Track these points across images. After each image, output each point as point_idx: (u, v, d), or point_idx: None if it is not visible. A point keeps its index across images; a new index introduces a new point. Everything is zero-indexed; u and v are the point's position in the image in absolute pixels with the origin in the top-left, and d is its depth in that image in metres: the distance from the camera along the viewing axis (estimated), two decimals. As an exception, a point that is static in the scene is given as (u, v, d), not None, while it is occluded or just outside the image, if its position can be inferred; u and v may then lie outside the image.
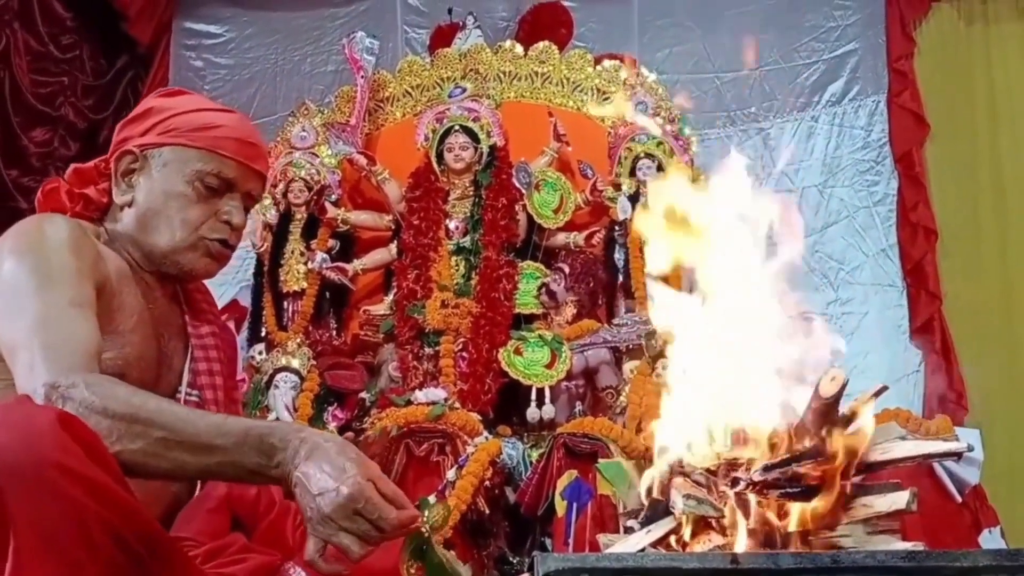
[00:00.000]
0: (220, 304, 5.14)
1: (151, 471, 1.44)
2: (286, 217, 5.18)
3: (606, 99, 5.33)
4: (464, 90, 5.19)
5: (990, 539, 4.29)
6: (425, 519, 1.60)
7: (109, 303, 1.68)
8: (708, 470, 1.62)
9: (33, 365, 1.49)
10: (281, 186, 5.16)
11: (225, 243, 1.83)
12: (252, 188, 1.87)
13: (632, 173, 4.92)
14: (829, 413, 1.55)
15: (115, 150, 1.84)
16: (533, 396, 4.53)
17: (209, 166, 1.79)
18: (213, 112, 1.88)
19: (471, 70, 5.41)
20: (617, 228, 4.94)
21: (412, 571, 1.56)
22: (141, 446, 1.41)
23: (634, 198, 4.87)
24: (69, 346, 1.52)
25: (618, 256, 4.91)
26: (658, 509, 1.63)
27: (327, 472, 1.37)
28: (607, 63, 5.42)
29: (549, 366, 4.55)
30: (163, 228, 1.78)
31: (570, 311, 4.82)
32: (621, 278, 4.90)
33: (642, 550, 1.57)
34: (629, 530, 1.70)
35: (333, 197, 5.22)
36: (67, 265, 1.62)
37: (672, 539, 1.59)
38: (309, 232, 5.17)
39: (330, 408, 4.72)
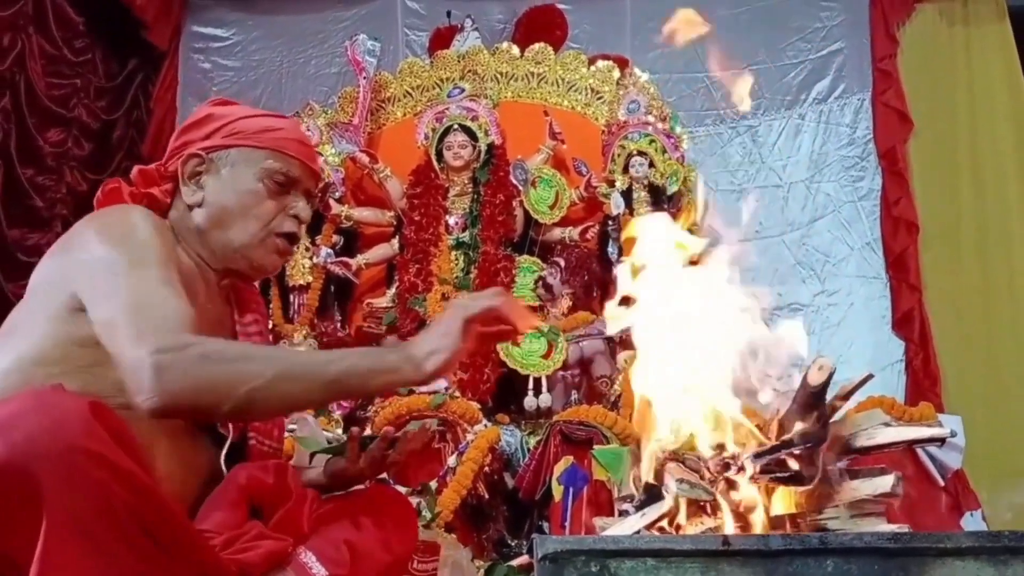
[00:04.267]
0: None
1: (283, 400, 1.56)
2: (292, 214, 5.27)
3: (600, 98, 5.40)
4: (463, 90, 5.26)
5: (971, 522, 4.34)
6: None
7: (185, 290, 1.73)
8: (700, 456, 1.68)
9: (139, 335, 1.51)
10: (286, 183, 5.24)
11: (293, 236, 1.90)
12: (311, 186, 1.94)
13: (625, 170, 4.97)
14: (816, 401, 1.61)
15: (175, 154, 1.89)
16: (530, 385, 4.60)
17: (277, 164, 1.86)
18: (271, 117, 1.95)
19: (469, 71, 5.48)
20: (611, 223, 4.98)
21: None
22: (271, 376, 1.51)
23: (627, 194, 4.92)
24: (171, 318, 1.56)
25: (611, 250, 4.95)
26: (652, 493, 1.69)
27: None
28: (600, 63, 5.49)
29: (546, 356, 4.62)
30: (238, 224, 1.84)
31: (566, 303, 4.89)
32: (615, 271, 4.95)
33: (637, 532, 1.62)
34: (624, 514, 1.75)
35: (337, 194, 5.28)
36: (156, 248, 1.68)
37: (666, 522, 1.64)
38: (314, 228, 5.20)
39: (335, 397, 4.79)
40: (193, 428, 1.72)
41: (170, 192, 1.88)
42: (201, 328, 1.75)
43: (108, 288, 1.60)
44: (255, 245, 1.86)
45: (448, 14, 5.86)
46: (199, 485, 1.73)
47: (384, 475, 3.97)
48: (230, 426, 1.78)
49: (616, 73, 5.43)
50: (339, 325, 5.16)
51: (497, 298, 1.67)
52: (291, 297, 5.21)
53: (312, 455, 1.91)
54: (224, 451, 1.76)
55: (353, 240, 5.33)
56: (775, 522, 1.61)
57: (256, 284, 2.08)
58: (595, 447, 3.86)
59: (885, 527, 1.53)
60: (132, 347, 1.51)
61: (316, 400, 1.67)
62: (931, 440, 1.77)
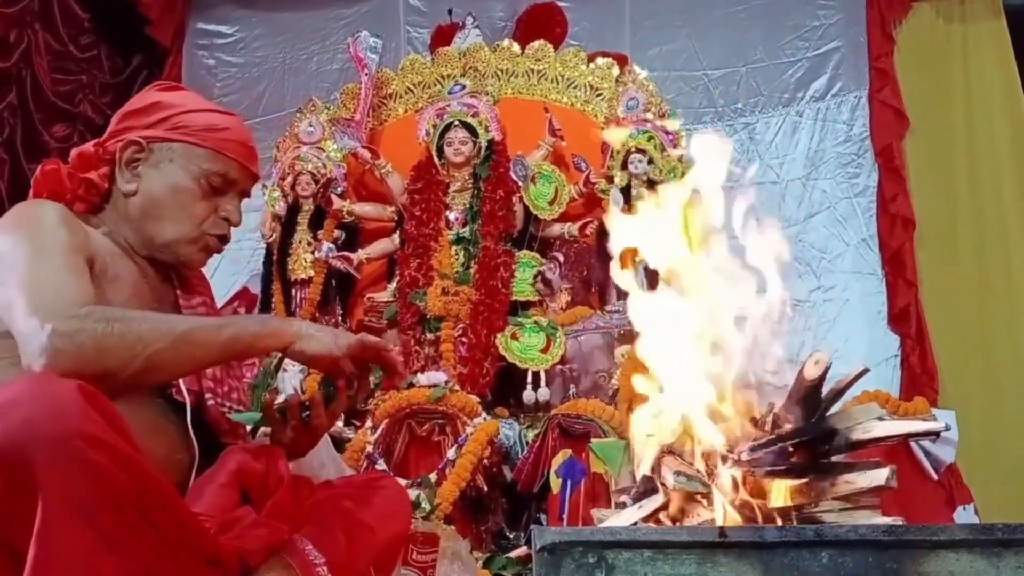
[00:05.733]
0: (231, 292, 5.30)
1: (183, 362, 1.63)
2: (294, 209, 5.29)
3: (599, 95, 5.41)
4: (464, 87, 5.29)
5: (964, 516, 4.34)
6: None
7: (102, 275, 1.75)
8: (696, 449, 1.70)
9: (35, 310, 1.53)
10: (289, 179, 5.25)
11: (223, 238, 1.93)
12: (247, 188, 1.96)
13: (624, 166, 4.98)
14: (813, 395, 1.64)
15: (116, 137, 1.89)
16: (529, 379, 4.61)
17: (216, 166, 1.88)
18: (218, 114, 1.95)
19: (470, 68, 5.50)
20: (610, 219, 5.04)
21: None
22: (171, 340, 1.57)
23: (626, 190, 4.92)
24: (70, 295, 1.58)
25: (610, 245, 4.96)
26: (649, 486, 1.71)
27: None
28: (600, 61, 5.49)
29: (544, 350, 4.64)
30: (169, 220, 1.86)
31: (564, 298, 4.93)
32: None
33: (634, 524, 1.65)
34: (621, 506, 1.77)
35: (339, 189, 5.31)
36: (60, 238, 1.69)
37: (662, 514, 1.66)
38: (316, 223, 5.28)
39: (336, 391, 4.81)
40: (153, 400, 1.74)
41: (107, 176, 1.89)
42: (140, 301, 1.81)
43: (9, 276, 1.62)
44: (183, 243, 1.89)
45: (449, 11, 5.87)
46: (171, 459, 1.75)
47: (383, 466, 4.04)
48: (185, 392, 1.80)
49: (615, 70, 5.43)
50: (340, 319, 5.19)
51: (391, 350, 1.84)
52: (293, 291, 5.26)
53: (253, 430, 1.93)
54: (189, 419, 1.79)
55: (354, 235, 5.35)
56: (770, 515, 1.62)
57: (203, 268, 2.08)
58: (593, 440, 3.89)
59: (880, 520, 1.55)
60: (27, 317, 1.54)
61: (213, 361, 1.73)
62: (926, 434, 1.80)
